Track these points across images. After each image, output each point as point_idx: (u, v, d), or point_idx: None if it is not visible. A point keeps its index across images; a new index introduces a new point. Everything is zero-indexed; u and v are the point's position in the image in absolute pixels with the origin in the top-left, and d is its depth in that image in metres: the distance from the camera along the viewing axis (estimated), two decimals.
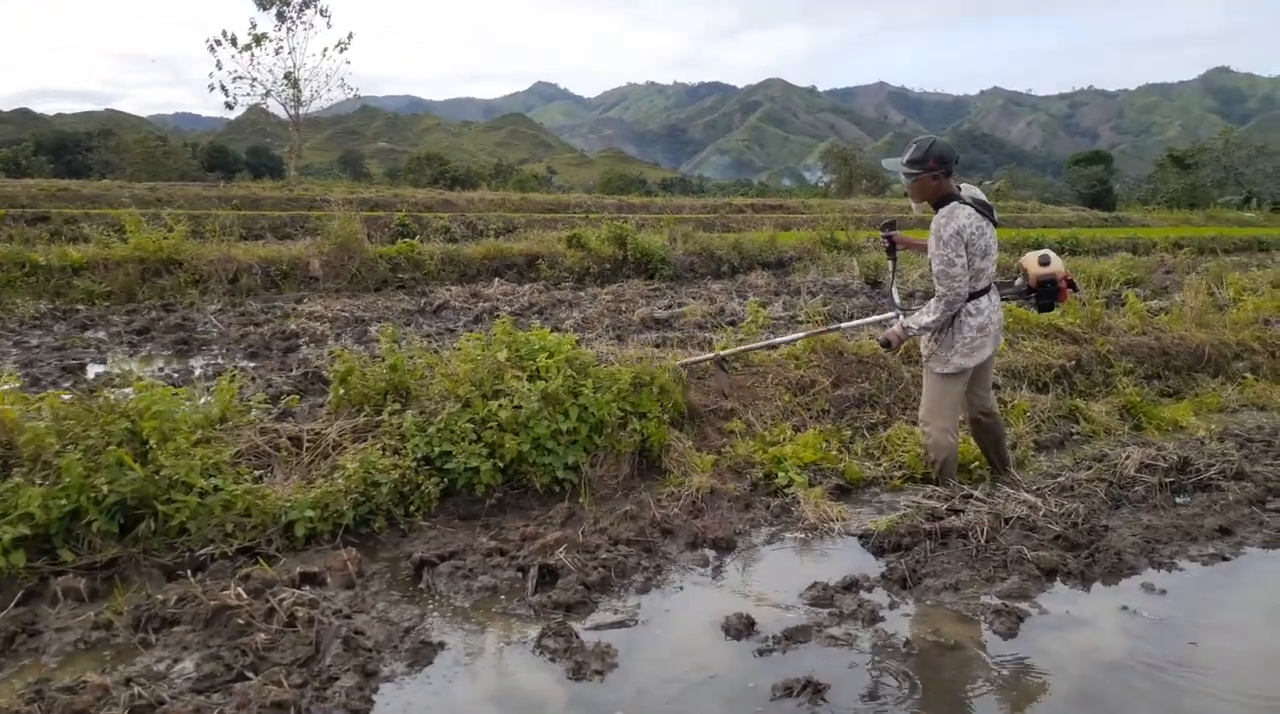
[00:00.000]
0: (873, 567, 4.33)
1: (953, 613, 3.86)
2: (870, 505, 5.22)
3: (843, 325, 6.34)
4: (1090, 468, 5.54)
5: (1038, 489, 5.08)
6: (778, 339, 6.57)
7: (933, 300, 4.86)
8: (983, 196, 4.94)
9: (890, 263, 5.68)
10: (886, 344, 5.10)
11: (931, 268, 4.83)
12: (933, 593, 4.03)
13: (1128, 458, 5.54)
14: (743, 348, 6.52)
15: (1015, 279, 5.11)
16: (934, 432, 5.10)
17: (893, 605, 3.93)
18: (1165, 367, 8.46)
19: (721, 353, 6.38)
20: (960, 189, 4.88)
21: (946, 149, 4.83)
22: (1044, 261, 5.04)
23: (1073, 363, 7.80)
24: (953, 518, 4.62)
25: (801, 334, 6.52)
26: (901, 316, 5.44)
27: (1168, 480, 5.36)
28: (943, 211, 4.78)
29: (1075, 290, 5.20)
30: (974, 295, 4.85)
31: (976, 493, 4.94)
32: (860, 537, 4.65)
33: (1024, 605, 3.90)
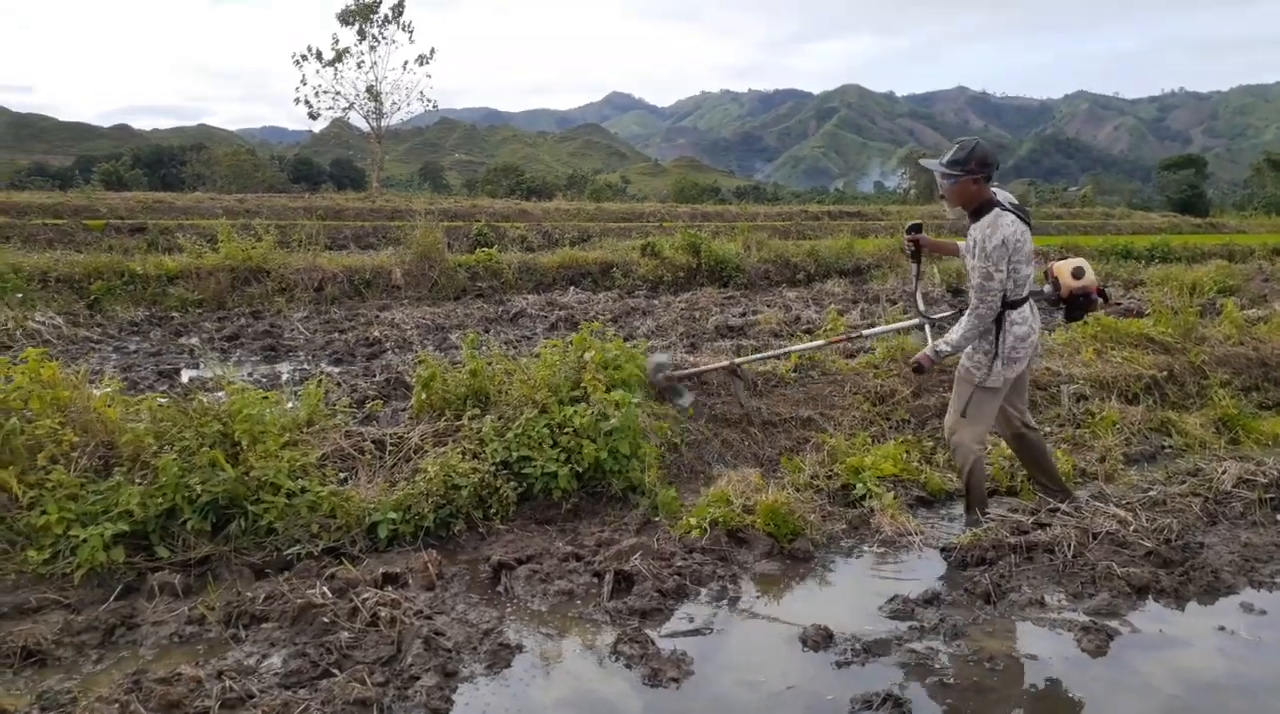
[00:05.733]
0: (955, 580, 4.24)
1: (1038, 629, 3.76)
2: (952, 518, 5.11)
3: (865, 332, 6.15)
4: (1184, 482, 5.34)
5: (1127, 503, 4.91)
6: (792, 347, 6.42)
7: (965, 316, 4.64)
8: (1016, 199, 4.76)
9: (914, 267, 5.46)
10: (918, 369, 4.85)
11: (969, 280, 4.66)
12: (1018, 608, 3.93)
13: (1224, 472, 5.33)
14: (757, 357, 6.40)
15: (1044, 287, 4.92)
16: (963, 439, 4.83)
17: (976, 620, 3.83)
18: (1264, 378, 8.11)
19: (736, 361, 6.24)
20: (996, 194, 4.68)
21: (989, 152, 4.60)
22: (1078, 274, 4.80)
23: (1164, 374, 7.52)
24: (1038, 532, 4.50)
25: (820, 342, 6.38)
26: (927, 327, 5.34)
27: (1268, 496, 5.13)
28: (985, 221, 4.55)
29: (1106, 301, 4.99)
30: (1015, 304, 4.62)
31: (1064, 507, 4.79)
32: (942, 550, 4.55)
33: (1114, 623, 3.78)
